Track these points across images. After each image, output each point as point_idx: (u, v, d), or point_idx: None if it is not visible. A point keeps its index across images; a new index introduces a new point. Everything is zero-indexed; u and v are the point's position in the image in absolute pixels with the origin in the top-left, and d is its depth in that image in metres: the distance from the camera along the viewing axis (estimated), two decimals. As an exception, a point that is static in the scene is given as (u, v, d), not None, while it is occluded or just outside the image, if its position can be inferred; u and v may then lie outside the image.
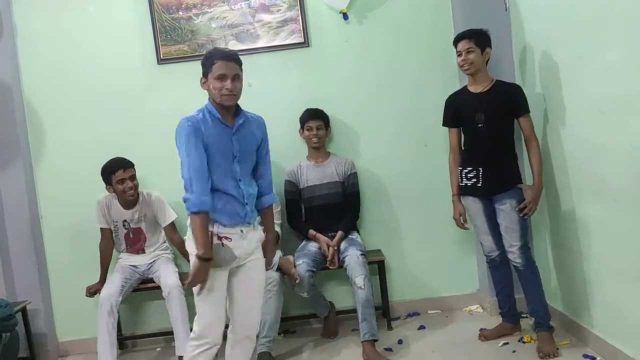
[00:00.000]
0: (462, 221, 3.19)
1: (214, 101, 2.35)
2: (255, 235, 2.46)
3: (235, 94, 2.33)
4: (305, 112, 3.57)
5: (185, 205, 2.26)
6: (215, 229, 2.30)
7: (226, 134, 2.34)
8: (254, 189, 2.44)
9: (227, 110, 2.36)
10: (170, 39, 3.71)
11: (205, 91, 2.38)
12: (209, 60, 2.32)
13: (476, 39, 3.00)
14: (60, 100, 3.73)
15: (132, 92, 3.74)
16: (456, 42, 3.06)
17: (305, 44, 3.70)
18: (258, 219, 2.51)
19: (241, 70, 2.37)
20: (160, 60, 3.72)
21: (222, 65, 2.29)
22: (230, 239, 2.32)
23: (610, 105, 2.48)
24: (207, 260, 2.22)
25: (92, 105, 3.73)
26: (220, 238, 2.30)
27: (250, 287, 2.45)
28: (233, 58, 2.33)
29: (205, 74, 2.35)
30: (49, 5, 3.71)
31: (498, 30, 3.25)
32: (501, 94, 3.01)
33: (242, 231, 2.37)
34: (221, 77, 2.29)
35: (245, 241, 2.38)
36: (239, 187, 2.36)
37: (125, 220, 3.48)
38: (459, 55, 3.03)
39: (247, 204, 2.38)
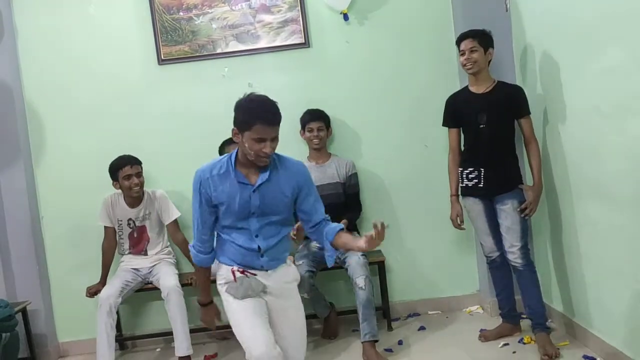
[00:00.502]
0: (458, 222, 3.19)
1: (242, 154, 2.15)
2: (284, 276, 2.28)
3: (271, 155, 2.12)
4: (305, 113, 3.57)
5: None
6: (235, 267, 2.22)
7: (245, 191, 2.16)
8: (277, 239, 2.23)
9: (256, 166, 2.16)
10: (170, 39, 3.71)
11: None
12: (247, 118, 2.05)
13: (480, 39, 3.00)
14: (60, 101, 3.73)
15: (133, 92, 3.74)
16: (459, 41, 3.06)
17: (305, 44, 3.70)
18: (290, 259, 2.36)
19: (279, 122, 2.12)
20: (161, 61, 3.72)
21: (264, 130, 2.05)
22: (255, 273, 2.22)
23: (610, 106, 2.48)
24: (206, 305, 2.38)
25: (92, 106, 3.73)
26: (243, 271, 2.21)
27: (288, 327, 2.29)
28: (276, 122, 2.09)
29: (240, 129, 2.09)
30: (49, 6, 3.71)
31: (498, 31, 3.25)
32: (503, 95, 3.01)
33: (266, 270, 2.24)
34: (260, 140, 2.06)
35: (272, 280, 2.24)
36: (253, 241, 2.19)
37: (130, 219, 3.50)
38: (462, 54, 3.03)
39: (264, 256, 2.21)
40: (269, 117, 2.06)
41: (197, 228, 2.24)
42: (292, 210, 2.27)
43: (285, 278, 2.28)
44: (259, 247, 2.19)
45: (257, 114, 2.05)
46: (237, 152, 2.18)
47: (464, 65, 3.05)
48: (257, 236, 2.19)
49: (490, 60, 3.06)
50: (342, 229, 2.22)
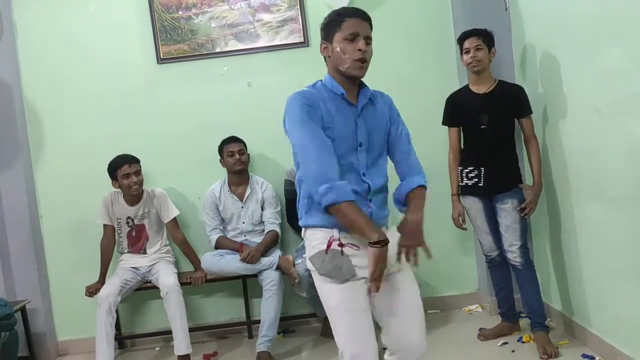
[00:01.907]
0: (460, 221, 3.19)
1: (334, 71, 1.90)
2: (396, 238, 1.83)
3: (368, 61, 1.87)
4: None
5: (316, 199, 1.77)
6: (336, 233, 1.83)
7: (350, 115, 1.88)
8: (382, 180, 1.93)
9: (353, 82, 1.90)
10: (170, 38, 3.71)
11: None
12: (335, 19, 1.87)
13: (484, 38, 2.99)
14: (60, 100, 3.73)
15: (132, 91, 3.74)
16: (463, 39, 3.03)
17: (305, 43, 3.69)
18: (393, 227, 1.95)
19: (371, 21, 1.91)
20: (160, 60, 3.72)
21: (355, 23, 1.84)
22: (358, 247, 1.82)
23: (609, 106, 2.48)
24: (383, 244, 1.72)
25: (92, 105, 3.73)
26: (342, 245, 1.82)
27: (401, 305, 1.90)
28: (366, 17, 1.88)
29: (327, 37, 1.88)
30: (49, 4, 3.71)
31: (498, 31, 3.24)
32: (505, 94, 3.01)
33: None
34: (353, 37, 1.83)
35: None
36: (363, 181, 1.87)
37: (129, 217, 3.50)
38: (467, 52, 3.00)
39: (372, 200, 1.90)
40: (357, 10, 1.88)
41: (312, 161, 1.76)
42: (386, 150, 1.98)
43: (393, 241, 1.80)
44: (369, 186, 1.86)
45: (343, 12, 1.89)
46: (328, 77, 1.93)
47: (468, 64, 3.02)
48: (364, 175, 1.88)
49: (491, 60, 3.06)
50: (420, 187, 1.96)
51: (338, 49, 1.84)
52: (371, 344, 1.81)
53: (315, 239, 1.87)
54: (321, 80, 1.94)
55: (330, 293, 1.84)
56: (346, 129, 1.85)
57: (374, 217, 1.85)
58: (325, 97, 1.87)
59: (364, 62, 1.85)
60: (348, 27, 1.83)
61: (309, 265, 1.89)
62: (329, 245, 1.82)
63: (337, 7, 3.55)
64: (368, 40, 1.86)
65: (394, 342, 1.95)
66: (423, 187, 1.99)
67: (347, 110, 1.88)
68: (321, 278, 1.85)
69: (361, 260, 1.81)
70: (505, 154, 3.05)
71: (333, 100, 1.87)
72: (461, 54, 3.07)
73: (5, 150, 3.59)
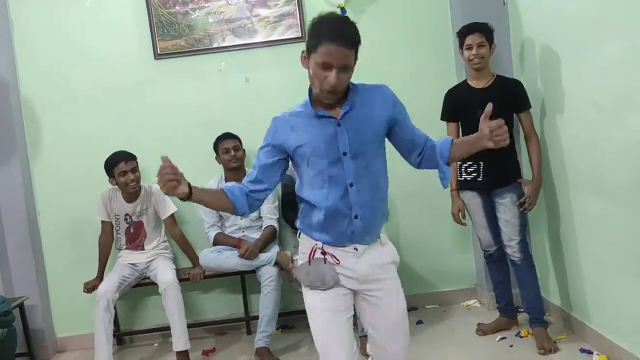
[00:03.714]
0: (460, 217, 3.18)
1: (311, 85, 1.83)
2: (380, 256, 1.89)
3: (340, 89, 1.76)
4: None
5: None
6: (320, 244, 1.85)
7: (327, 126, 1.80)
8: (373, 193, 1.85)
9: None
10: (167, 34, 3.69)
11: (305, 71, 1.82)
12: (314, 35, 1.73)
13: (486, 34, 2.96)
14: (57, 96, 3.72)
15: (129, 87, 3.72)
16: (465, 34, 3.00)
17: (302, 38, 3.67)
18: (383, 233, 1.94)
19: (355, 53, 1.76)
20: (157, 56, 3.70)
21: (329, 52, 1.68)
22: (338, 261, 1.83)
23: (608, 101, 2.47)
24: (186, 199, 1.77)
25: (89, 101, 3.72)
26: (324, 253, 1.84)
27: (383, 321, 1.89)
28: (345, 42, 1.70)
29: (307, 49, 1.77)
30: (45, 1, 3.68)
31: (496, 25, 3.22)
32: (503, 89, 3.00)
33: (356, 249, 1.85)
34: (325, 66, 1.71)
35: (361, 265, 1.85)
36: (347, 195, 1.79)
37: (127, 214, 3.50)
38: (469, 48, 2.97)
39: (357, 216, 1.80)
40: (337, 33, 1.69)
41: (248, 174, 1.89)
42: (384, 149, 1.91)
43: (379, 260, 1.88)
44: (350, 204, 1.80)
45: (323, 30, 1.70)
46: (310, 90, 1.87)
47: (470, 60, 2.99)
48: (351, 185, 1.79)
49: (491, 55, 3.05)
50: (453, 140, 1.89)
51: (311, 71, 1.76)
52: (345, 344, 1.82)
53: (304, 245, 1.91)
54: (309, 91, 1.87)
55: (312, 297, 1.88)
56: (322, 143, 1.79)
57: (356, 236, 1.83)
58: (302, 114, 1.85)
59: (334, 92, 1.75)
60: (322, 54, 1.69)
61: (298, 277, 1.91)
62: (312, 256, 1.85)
63: (334, 3, 3.60)
64: (343, 69, 1.72)
65: (376, 353, 1.97)
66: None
67: (325, 123, 1.81)
68: (306, 287, 1.89)
69: (344, 270, 1.85)
70: (503, 148, 3.02)
71: (305, 117, 1.84)
72: (460, 47, 3.05)
73: (1, 147, 3.58)
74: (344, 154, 1.79)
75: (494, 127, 1.74)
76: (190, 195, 1.74)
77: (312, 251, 1.86)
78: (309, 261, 1.85)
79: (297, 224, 1.96)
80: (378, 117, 1.84)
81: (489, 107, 1.76)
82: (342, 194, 1.80)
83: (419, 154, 1.93)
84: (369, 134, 1.82)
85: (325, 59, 1.69)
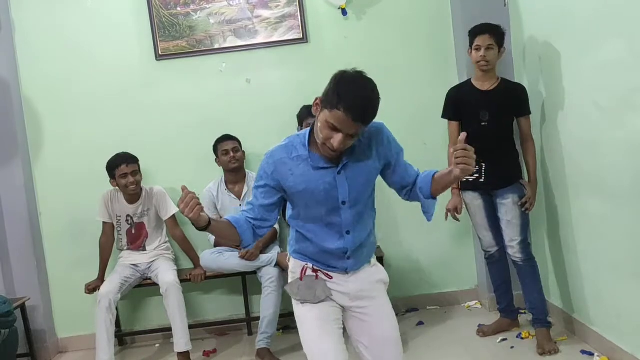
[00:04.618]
0: (455, 213, 3.16)
1: (316, 131, 1.78)
2: (370, 275, 1.95)
3: (341, 151, 1.74)
4: (303, 108, 3.55)
5: None
6: (310, 264, 1.92)
7: (327, 175, 1.80)
8: (366, 233, 1.90)
9: None
10: (168, 35, 3.69)
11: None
12: (335, 95, 1.66)
13: (497, 37, 2.94)
14: (58, 97, 3.72)
15: (131, 88, 3.72)
16: (476, 34, 2.97)
17: (303, 39, 3.68)
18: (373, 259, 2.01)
19: (367, 122, 1.71)
20: (159, 57, 3.70)
21: (344, 121, 1.64)
22: (331, 277, 1.90)
23: (608, 101, 2.47)
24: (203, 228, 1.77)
25: (90, 102, 3.72)
26: (316, 270, 1.90)
27: (369, 338, 1.92)
28: (362, 119, 1.67)
29: (324, 104, 1.71)
30: (47, 1, 3.69)
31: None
32: (507, 93, 3.00)
33: (346, 271, 1.91)
34: (334, 128, 1.68)
35: (352, 283, 1.91)
36: (342, 238, 1.85)
37: (128, 215, 3.50)
38: (477, 49, 2.95)
39: (350, 257, 1.88)
40: (356, 110, 1.64)
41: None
42: (375, 185, 1.92)
43: (370, 278, 1.95)
44: (346, 249, 1.86)
45: (347, 101, 1.64)
46: (311, 129, 1.82)
47: (477, 62, 2.97)
48: (348, 232, 1.85)
49: (500, 59, 3.02)
50: (435, 173, 1.85)
51: (319, 123, 1.73)
52: (333, 350, 1.81)
53: (295, 266, 1.96)
54: (305, 135, 1.83)
55: (302, 310, 1.90)
56: (321, 192, 1.80)
57: (349, 268, 1.90)
58: (297, 158, 1.81)
59: (335, 152, 1.73)
60: (336, 118, 1.65)
61: (289, 292, 1.94)
62: (303, 273, 1.90)
63: (335, 4, 3.60)
64: (351, 136, 1.70)
65: None
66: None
67: (324, 173, 1.80)
68: (301, 305, 1.90)
69: (336, 286, 1.90)
70: (505, 150, 3.04)
71: (304, 162, 1.81)
72: (470, 46, 3.02)
73: (3, 148, 3.58)
74: (343, 203, 1.82)
75: (458, 149, 1.68)
76: (209, 224, 1.77)
77: (303, 270, 1.91)
78: (301, 277, 1.90)
79: (288, 248, 2.01)
80: (373, 164, 1.86)
81: (463, 135, 1.73)
82: (338, 239, 1.86)
83: (409, 190, 1.95)
84: (366, 181, 1.85)
85: (337, 124, 1.67)
